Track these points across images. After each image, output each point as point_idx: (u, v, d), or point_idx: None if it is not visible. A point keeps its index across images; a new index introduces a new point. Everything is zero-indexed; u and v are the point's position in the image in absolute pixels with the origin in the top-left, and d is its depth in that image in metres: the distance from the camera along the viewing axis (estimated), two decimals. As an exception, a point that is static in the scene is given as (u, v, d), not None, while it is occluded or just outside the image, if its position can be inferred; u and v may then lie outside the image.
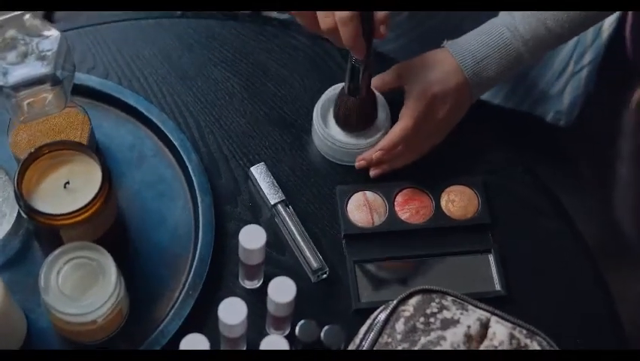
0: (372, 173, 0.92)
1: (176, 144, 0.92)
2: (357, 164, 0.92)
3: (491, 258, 0.88)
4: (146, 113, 0.93)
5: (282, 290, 0.76)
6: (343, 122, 0.92)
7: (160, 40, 1.00)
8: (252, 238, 0.79)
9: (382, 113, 0.94)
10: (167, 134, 0.92)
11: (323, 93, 0.94)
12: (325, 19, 0.80)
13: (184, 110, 0.96)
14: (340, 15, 0.78)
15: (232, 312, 0.74)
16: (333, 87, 0.94)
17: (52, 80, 0.76)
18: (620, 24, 1.08)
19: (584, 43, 1.09)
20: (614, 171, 1.21)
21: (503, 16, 0.90)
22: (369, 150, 0.92)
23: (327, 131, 0.92)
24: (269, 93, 0.98)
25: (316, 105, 0.94)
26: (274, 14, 1.10)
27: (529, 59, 0.90)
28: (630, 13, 1.06)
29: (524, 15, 0.88)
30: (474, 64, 0.89)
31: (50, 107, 0.80)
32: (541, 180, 0.95)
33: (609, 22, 1.08)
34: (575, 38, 1.08)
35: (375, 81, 0.92)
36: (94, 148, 0.89)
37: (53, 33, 0.76)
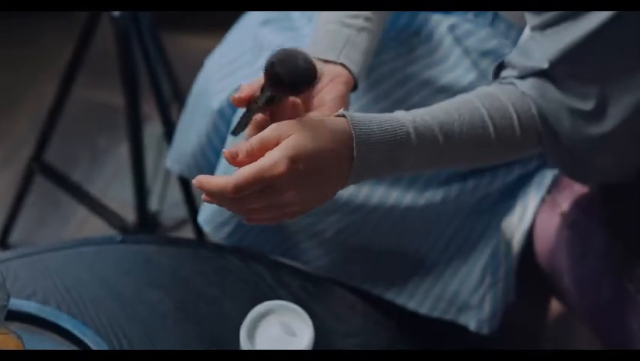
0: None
1: (108, 366, 0.96)
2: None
3: None
4: (80, 336, 0.98)
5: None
6: None
7: (99, 266, 1.08)
8: None
9: (306, 329, 0.97)
10: (100, 356, 0.96)
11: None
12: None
13: (118, 333, 1.01)
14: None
15: None
16: (257, 306, 0.99)
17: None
18: (529, 240, 1.17)
19: (497, 257, 1.17)
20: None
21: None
22: None
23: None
24: (200, 313, 1.04)
25: (242, 325, 0.98)
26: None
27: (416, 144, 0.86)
28: (535, 234, 1.14)
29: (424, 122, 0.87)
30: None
31: (-18, 337, 0.85)
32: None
33: (517, 240, 1.16)
34: (488, 253, 1.16)
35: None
36: (27, 373, 0.92)
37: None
